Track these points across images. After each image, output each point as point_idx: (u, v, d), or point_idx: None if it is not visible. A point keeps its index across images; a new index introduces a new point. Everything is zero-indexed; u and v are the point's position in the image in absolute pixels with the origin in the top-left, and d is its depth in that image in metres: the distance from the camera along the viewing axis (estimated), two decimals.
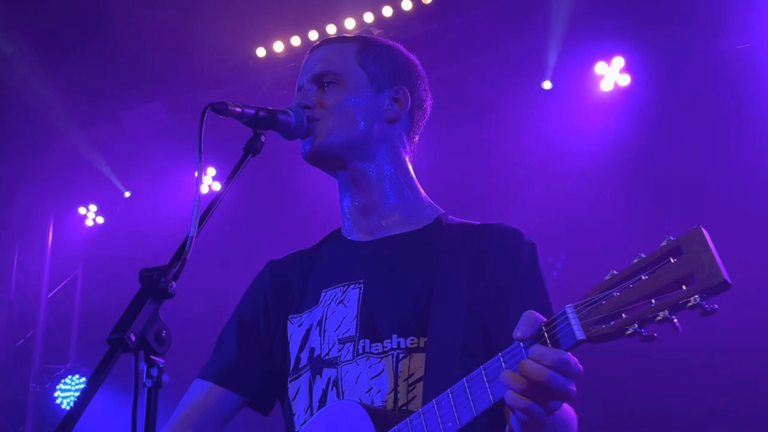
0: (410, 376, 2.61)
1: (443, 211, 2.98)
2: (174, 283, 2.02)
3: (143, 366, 1.92)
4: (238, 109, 2.50)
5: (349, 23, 8.04)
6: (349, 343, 2.71)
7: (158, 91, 9.15)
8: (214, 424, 2.89)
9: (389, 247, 2.85)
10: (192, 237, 2.14)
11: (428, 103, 3.07)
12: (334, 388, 2.68)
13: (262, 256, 3.17)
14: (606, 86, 7.83)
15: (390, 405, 2.59)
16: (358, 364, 2.67)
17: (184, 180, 9.48)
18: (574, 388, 2.10)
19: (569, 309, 2.05)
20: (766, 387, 6.89)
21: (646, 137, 7.76)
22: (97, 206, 10.41)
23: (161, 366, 1.94)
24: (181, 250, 2.12)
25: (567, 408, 2.40)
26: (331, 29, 8.13)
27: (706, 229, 1.95)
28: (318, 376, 2.73)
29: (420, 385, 2.59)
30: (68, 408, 8.57)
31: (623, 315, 1.95)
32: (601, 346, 2.05)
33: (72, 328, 10.73)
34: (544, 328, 2.08)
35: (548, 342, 2.07)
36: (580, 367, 2.09)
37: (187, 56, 8.43)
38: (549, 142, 8.08)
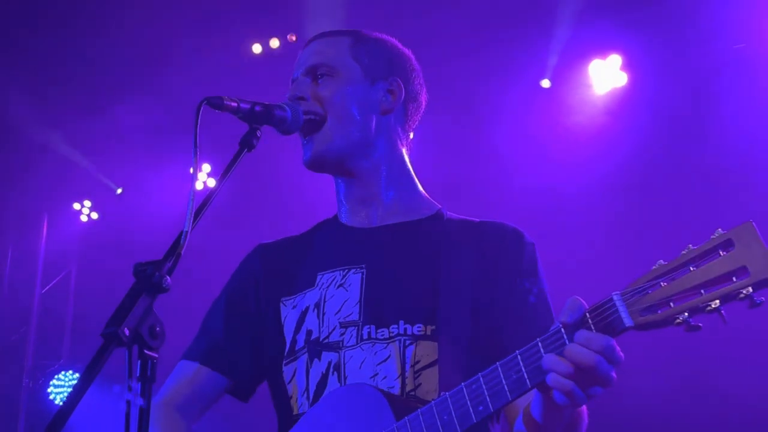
0: (417, 363, 2.63)
1: (440, 206, 2.99)
2: (168, 277, 2.01)
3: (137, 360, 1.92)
4: (234, 104, 2.50)
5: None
6: (352, 327, 2.71)
7: (153, 87, 9.12)
8: (199, 405, 2.87)
9: (391, 234, 2.86)
10: (187, 232, 2.13)
11: (423, 97, 3.07)
12: (336, 372, 2.68)
13: (245, 247, 3.14)
14: (603, 85, 7.85)
15: (396, 391, 2.60)
16: (363, 349, 2.67)
17: (178, 175, 9.46)
18: (615, 376, 2.13)
19: (616, 296, 2.08)
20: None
21: (644, 134, 7.77)
22: (92, 202, 10.39)
23: (155, 361, 1.93)
24: (176, 244, 2.11)
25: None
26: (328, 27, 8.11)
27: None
28: (316, 359, 2.72)
29: (426, 372, 2.61)
30: (61, 404, 8.56)
31: (671, 304, 2.01)
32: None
33: (65, 324, 10.72)
34: (588, 315, 2.11)
35: (592, 328, 2.09)
36: (622, 354, 2.12)
37: (183, 51, 8.41)
38: (547, 140, 8.09)
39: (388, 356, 2.64)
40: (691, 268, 2.00)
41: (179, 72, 8.59)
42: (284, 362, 2.82)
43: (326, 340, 2.73)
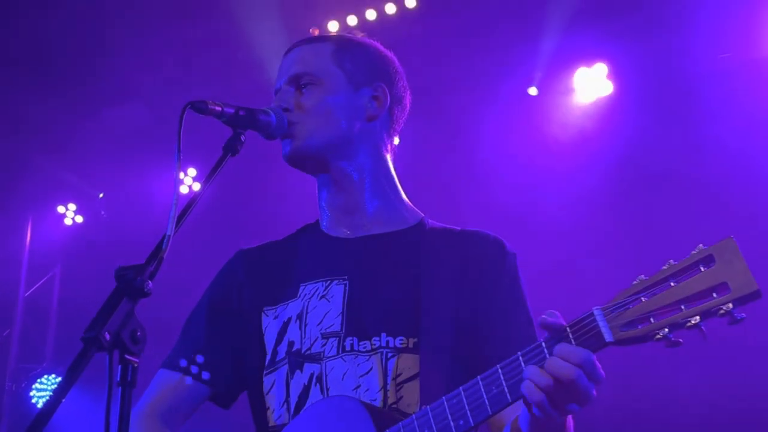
0: (398, 375, 2.62)
1: (423, 215, 2.98)
2: (150, 282, 2.00)
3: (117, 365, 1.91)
4: (218, 108, 2.49)
5: (333, 26, 8.03)
6: (334, 339, 2.69)
7: (139, 90, 9.09)
8: (181, 413, 2.85)
9: (374, 246, 2.85)
10: (169, 236, 2.12)
11: (407, 100, 3.06)
12: (318, 384, 2.66)
13: (225, 251, 3.13)
14: (589, 93, 7.87)
15: (378, 404, 2.59)
16: (345, 361, 2.66)
17: (164, 179, 9.43)
18: (595, 394, 2.12)
19: (597, 311, 2.08)
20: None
21: (629, 143, 7.80)
22: (76, 205, 10.34)
23: (136, 366, 1.92)
24: (158, 248, 2.10)
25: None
26: (314, 33, 8.11)
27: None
28: (298, 370, 2.71)
29: (408, 385, 2.61)
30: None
31: (651, 320, 2.02)
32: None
33: (49, 327, 10.65)
34: (569, 329, 2.10)
35: (573, 342, 2.09)
36: (602, 372, 2.11)
37: (169, 55, 8.39)
38: (533, 148, 8.10)
39: (371, 369, 2.63)
40: (672, 284, 2.01)
41: (165, 75, 8.57)
42: (265, 372, 2.80)
43: (308, 352, 2.71)
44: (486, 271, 2.77)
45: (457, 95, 8.18)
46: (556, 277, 7.35)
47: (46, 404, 1.84)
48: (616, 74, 7.79)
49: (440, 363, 2.60)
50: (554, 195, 7.92)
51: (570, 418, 2.33)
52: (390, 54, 3.09)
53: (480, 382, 2.23)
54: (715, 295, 1.95)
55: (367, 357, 2.65)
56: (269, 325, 2.84)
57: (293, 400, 2.69)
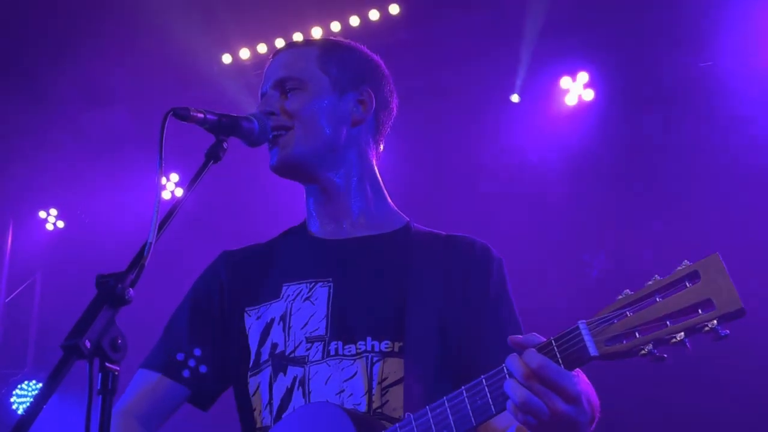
0: (384, 380, 2.61)
1: (408, 219, 2.99)
2: (131, 289, 1.99)
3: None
4: (201, 115, 2.48)
5: (316, 32, 8.04)
6: (318, 343, 2.68)
7: (122, 96, 9.07)
8: (160, 414, 2.84)
9: (359, 248, 2.84)
10: (151, 243, 2.11)
11: (394, 104, 3.06)
12: (301, 388, 2.65)
13: (209, 254, 3.12)
14: (570, 101, 7.91)
15: (362, 408, 2.58)
16: (329, 365, 2.65)
17: (147, 185, 9.40)
18: (564, 407, 2.09)
19: (582, 324, 2.08)
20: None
21: (610, 150, 7.83)
22: (58, 210, 10.30)
23: (116, 374, 1.92)
24: (140, 256, 2.09)
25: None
26: (298, 38, 8.11)
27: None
28: (281, 373, 2.70)
29: (393, 389, 2.60)
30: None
31: (637, 335, 2.01)
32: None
33: (30, 333, 10.59)
34: (554, 343, 2.10)
35: (558, 356, 2.09)
36: (580, 389, 2.10)
37: (152, 61, 8.37)
38: (515, 155, 8.12)
39: (355, 373, 2.63)
40: (657, 299, 2.01)
41: (147, 82, 8.54)
42: (249, 374, 2.79)
43: (292, 355, 2.70)
44: (473, 276, 2.77)
45: (440, 102, 8.19)
46: (541, 284, 7.37)
47: (26, 411, 1.83)
48: (597, 83, 7.82)
49: (425, 367, 2.60)
50: (537, 202, 7.94)
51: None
52: (376, 58, 3.09)
53: (464, 393, 2.22)
54: (700, 311, 1.95)
55: (352, 361, 2.64)
56: (252, 325, 2.83)
57: (276, 403, 2.68)
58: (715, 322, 1.93)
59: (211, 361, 2.86)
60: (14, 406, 10.09)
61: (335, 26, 8.00)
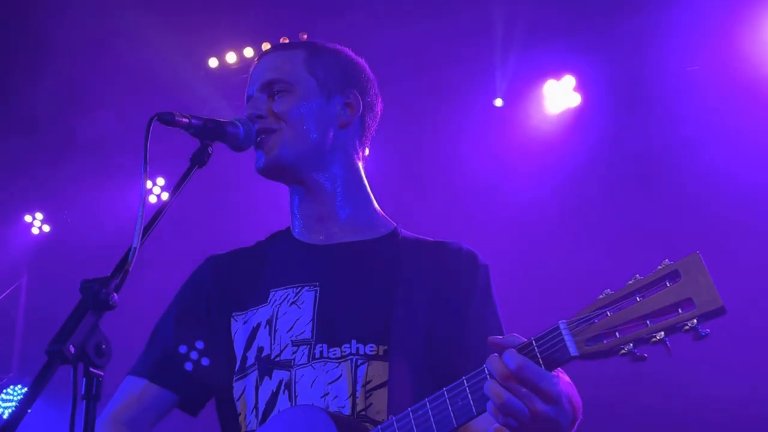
0: (368, 382, 2.62)
1: (396, 224, 2.99)
2: (115, 294, 1.99)
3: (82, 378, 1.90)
4: (185, 120, 2.47)
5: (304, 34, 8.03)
6: (304, 346, 2.69)
7: (108, 100, 9.05)
8: (148, 421, 2.83)
9: (346, 253, 2.85)
10: (135, 248, 2.11)
11: (379, 107, 3.07)
12: (287, 391, 2.65)
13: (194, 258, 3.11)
14: (556, 104, 7.93)
15: (347, 411, 2.59)
16: (314, 368, 2.65)
17: (133, 189, 9.38)
18: (544, 407, 2.09)
19: (562, 324, 2.07)
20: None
21: (595, 154, 7.87)
22: (44, 214, 10.27)
23: (101, 379, 1.91)
24: (124, 261, 2.09)
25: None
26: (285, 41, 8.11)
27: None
28: (267, 377, 2.70)
29: (378, 392, 2.60)
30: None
31: (617, 334, 2.00)
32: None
33: (15, 337, 10.56)
34: (535, 343, 2.09)
35: (539, 356, 2.08)
36: (560, 389, 2.09)
37: (139, 65, 8.36)
38: (499, 159, 8.14)
39: (340, 375, 2.63)
40: (638, 299, 2.01)
41: (134, 86, 8.53)
42: (235, 378, 2.79)
43: (278, 358, 2.70)
44: (459, 282, 2.78)
45: (424, 106, 8.21)
46: (525, 284, 7.39)
47: (11, 415, 1.83)
48: (583, 86, 7.85)
49: (410, 371, 2.61)
50: (523, 204, 7.96)
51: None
52: (361, 61, 3.09)
53: (446, 394, 2.22)
54: (680, 310, 1.94)
55: (337, 364, 2.64)
56: (238, 330, 2.83)
57: (261, 406, 2.68)
58: (696, 321, 1.92)
59: (198, 368, 2.84)
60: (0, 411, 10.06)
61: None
